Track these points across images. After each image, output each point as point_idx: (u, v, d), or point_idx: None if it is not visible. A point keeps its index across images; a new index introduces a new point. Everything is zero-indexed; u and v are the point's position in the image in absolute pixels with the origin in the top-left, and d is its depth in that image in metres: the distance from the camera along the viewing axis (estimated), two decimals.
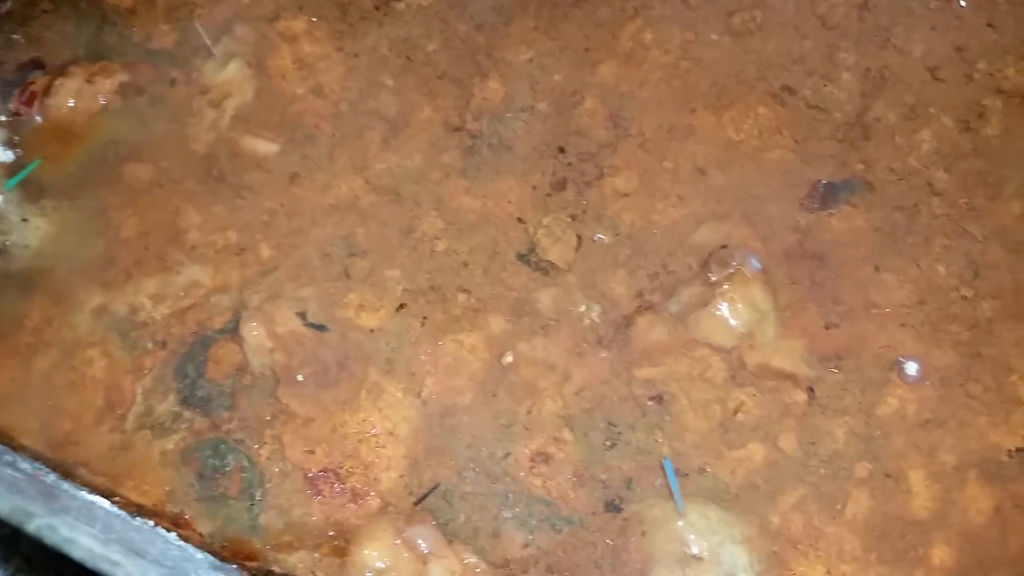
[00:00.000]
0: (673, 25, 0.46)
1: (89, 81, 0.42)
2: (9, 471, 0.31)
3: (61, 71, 0.42)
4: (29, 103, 0.41)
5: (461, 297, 0.41)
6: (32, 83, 0.42)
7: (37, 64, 0.44)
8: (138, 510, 0.36)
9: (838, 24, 0.47)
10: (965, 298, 0.43)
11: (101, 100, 0.42)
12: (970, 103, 0.47)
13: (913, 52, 0.47)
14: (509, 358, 0.39)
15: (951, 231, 0.44)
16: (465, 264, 0.41)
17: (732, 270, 0.40)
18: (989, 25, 0.48)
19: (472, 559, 0.36)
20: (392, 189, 0.42)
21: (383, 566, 0.35)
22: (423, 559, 0.35)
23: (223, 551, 0.35)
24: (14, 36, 0.44)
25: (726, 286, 0.40)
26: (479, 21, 0.46)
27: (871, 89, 0.46)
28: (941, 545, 0.38)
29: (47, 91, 0.41)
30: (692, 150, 0.44)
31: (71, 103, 0.42)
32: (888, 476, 0.39)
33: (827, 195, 0.43)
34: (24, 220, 0.40)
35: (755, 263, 0.41)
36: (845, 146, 0.45)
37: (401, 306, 0.39)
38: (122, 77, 0.43)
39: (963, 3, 0.48)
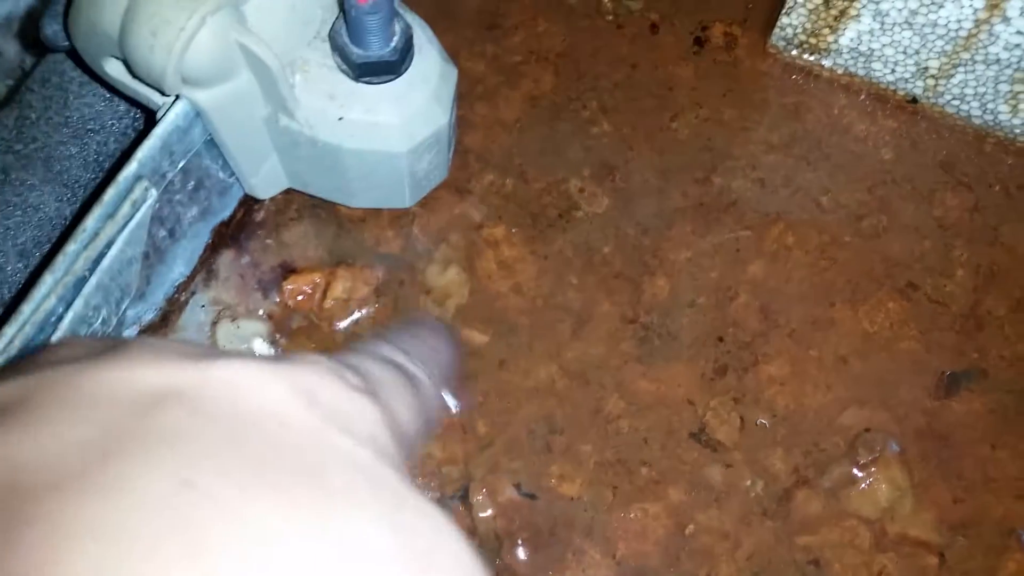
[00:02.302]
0: (811, 229, 0.55)
1: (353, 284, 0.52)
2: None
3: (332, 275, 0.52)
4: (304, 302, 0.51)
5: (643, 470, 0.49)
6: (299, 283, 0.52)
7: (287, 266, 0.53)
8: None
9: (952, 225, 0.56)
10: None
11: (356, 301, 0.52)
12: None
13: (1018, 249, 0.55)
14: (690, 528, 0.48)
15: None
16: (645, 441, 0.50)
17: (877, 454, 0.48)
18: None
19: None
20: (581, 374, 0.51)
21: None
22: None
23: None
24: (267, 241, 0.54)
25: (873, 468, 0.48)
26: (645, 226, 0.55)
27: (983, 283, 0.54)
28: None
29: (324, 293, 0.51)
30: (834, 340, 0.52)
31: (335, 303, 0.51)
32: None
33: (951, 384, 0.51)
34: None
35: (895, 446, 0.49)
36: (962, 336, 0.53)
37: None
38: (374, 281, 0.52)
39: None
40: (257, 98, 0.45)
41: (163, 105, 0.45)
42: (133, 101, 0.49)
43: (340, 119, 0.45)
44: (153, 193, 0.44)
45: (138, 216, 0.44)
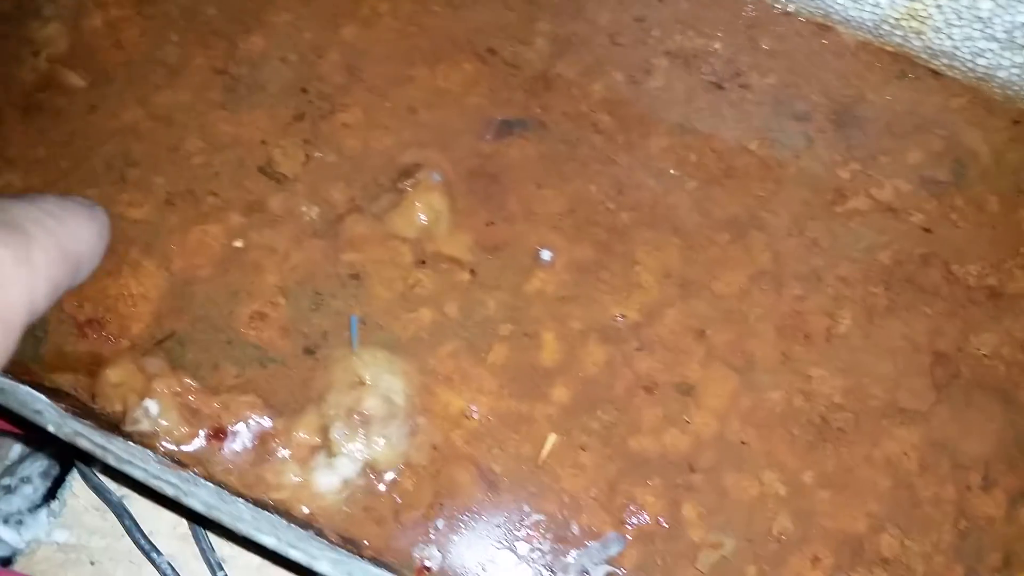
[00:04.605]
0: None
1: None
2: None
3: None
4: None
5: (210, 199, 0.53)
6: None
7: None
8: None
9: None
10: (608, 209, 0.55)
11: None
12: (640, 62, 0.59)
13: (599, 22, 0.60)
14: (239, 243, 0.52)
15: (605, 160, 0.56)
16: (216, 174, 0.54)
17: (416, 180, 0.53)
18: (660, 0, 0.61)
19: (191, 382, 0.48)
20: (166, 118, 0.55)
21: (118, 381, 0.47)
22: (150, 378, 0.47)
23: (11, 371, 0.47)
24: None
25: (410, 191, 0.53)
26: None
27: (559, 51, 0.59)
28: (561, 387, 0.51)
29: None
30: (409, 94, 0.57)
31: None
32: (526, 335, 0.52)
33: (502, 129, 0.56)
34: None
35: (436, 176, 0.53)
36: (529, 95, 0.57)
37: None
38: None
39: None
40: None
41: None
42: None
43: None
44: None
45: None
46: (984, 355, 0.53)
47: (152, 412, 0.46)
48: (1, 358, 0.26)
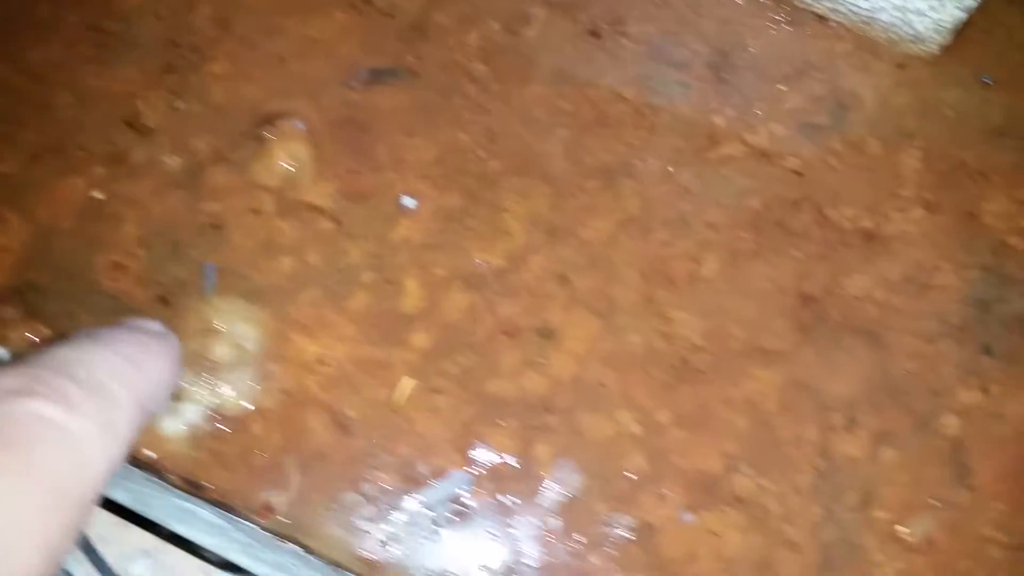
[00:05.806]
0: None
1: None
2: None
3: None
4: None
5: (79, 153, 0.53)
6: None
7: None
8: None
9: None
10: (479, 158, 0.55)
11: None
12: (518, 11, 0.59)
13: None
14: (100, 194, 0.52)
15: (478, 109, 0.56)
16: (83, 128, 0.54)
17: (278, 128, 0.53)
18: None
19: (44, 329, 0.48)
20: (35, 75, 0.55)
21: None
22: (4, 324, 0.48)
23: None
24: None
25: (273, 139, 0.53)
26: None
27: (436, 0, 0.59)
28: (421, 332, 0.51)
29: None
30: (279, 45, 0.57)
31: None
32: (388, 282, 0.52)
33: (372, 77, 0.56)
34: None
35: (299, 124, 0.53)
36: (403, 44, 0.57)
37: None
38: None
39: None
40: None
41: None
42: None
43: None
44: None
45: None
46: (855, 297, 0.52)
47: (3, 358, 0.46)
48: (77, 533, 0.26)
